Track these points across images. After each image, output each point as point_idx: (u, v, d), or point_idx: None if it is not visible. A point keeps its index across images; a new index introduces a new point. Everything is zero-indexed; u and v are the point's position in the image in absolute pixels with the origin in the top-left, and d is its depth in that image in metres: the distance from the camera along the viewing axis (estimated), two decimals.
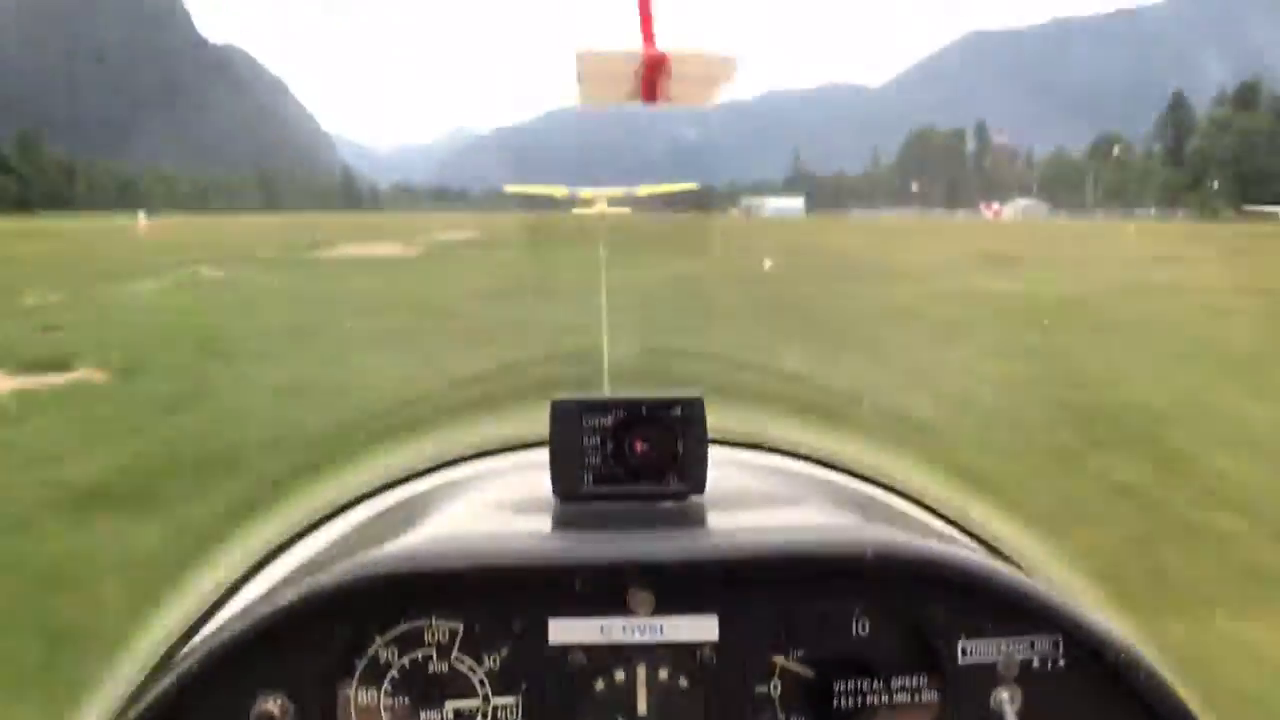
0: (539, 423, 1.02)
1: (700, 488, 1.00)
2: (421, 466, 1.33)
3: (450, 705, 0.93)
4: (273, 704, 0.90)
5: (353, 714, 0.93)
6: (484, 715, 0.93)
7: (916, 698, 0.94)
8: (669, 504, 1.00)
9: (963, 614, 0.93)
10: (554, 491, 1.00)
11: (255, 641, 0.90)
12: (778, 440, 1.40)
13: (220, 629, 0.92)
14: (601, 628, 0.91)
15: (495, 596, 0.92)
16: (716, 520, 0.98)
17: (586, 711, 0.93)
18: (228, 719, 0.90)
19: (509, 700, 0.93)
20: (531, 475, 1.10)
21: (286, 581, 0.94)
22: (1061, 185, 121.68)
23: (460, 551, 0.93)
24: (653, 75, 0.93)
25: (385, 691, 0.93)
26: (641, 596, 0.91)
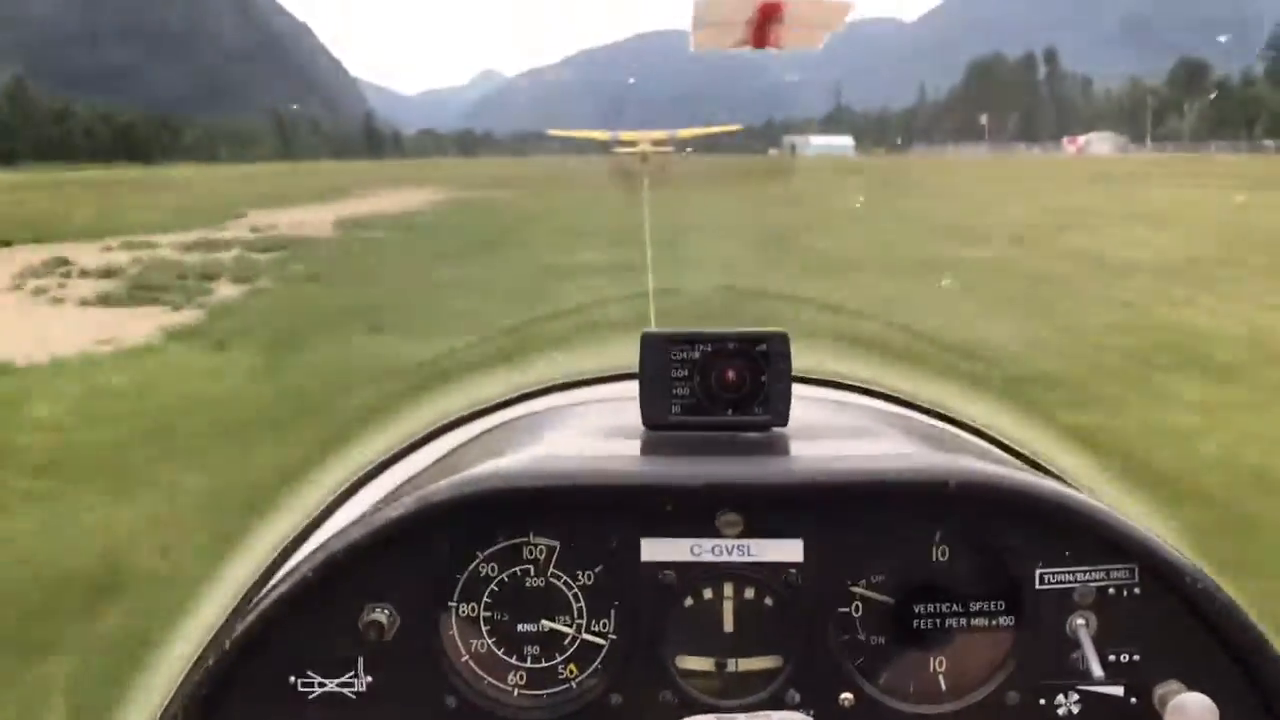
0: (603, 357, 1.05)
1: (784, 419, 1.02)
2: (509, 396, 1.38)
3: (546, 620, 0.96)
4: (381, 614, 0.91)
5: (454, 626, 0.95)
6: (578, 629, 0.96)
7: (994, 622, 0.95)
8: (754, 434, 1.02)
9: (1041, 542, 0.94)
10: (643, 420, 1.02)
11: (367, 551, 0.91)
12: (857, 379, 1.41)
13: (336, 536, 0.93)
14: (692, 548, 0.94)
15: (590, 516, 0.94)
16: (800, 449, 1.00)
17: (675, 627, 0.95)
18: (337, 628, 0.92)
19: (602, 616, 0.96)
20: (618, 406, 1.16)
21: (393, 496, 0.96)
22: (1142, 116, 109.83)
23: (558, 472, 0.95)
24: (766, 21, 0.94)
25: (485, 605, 0.95)
26: (730, 519, 0.93)
